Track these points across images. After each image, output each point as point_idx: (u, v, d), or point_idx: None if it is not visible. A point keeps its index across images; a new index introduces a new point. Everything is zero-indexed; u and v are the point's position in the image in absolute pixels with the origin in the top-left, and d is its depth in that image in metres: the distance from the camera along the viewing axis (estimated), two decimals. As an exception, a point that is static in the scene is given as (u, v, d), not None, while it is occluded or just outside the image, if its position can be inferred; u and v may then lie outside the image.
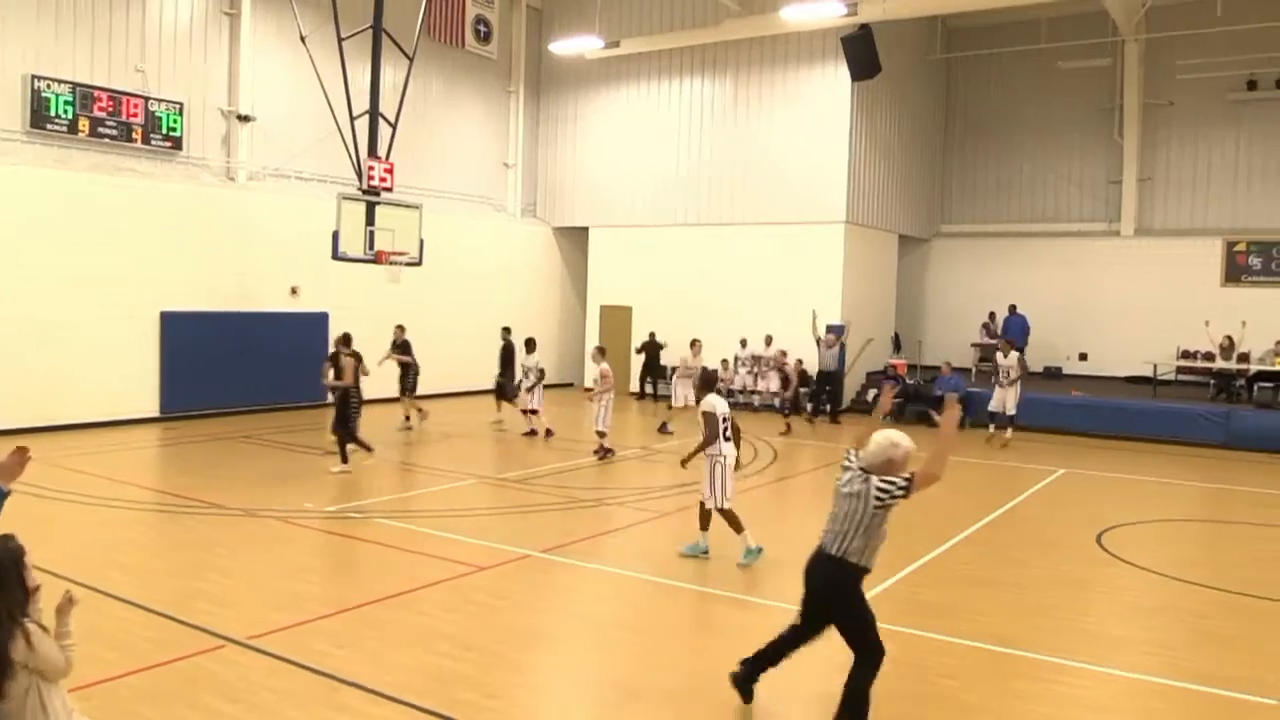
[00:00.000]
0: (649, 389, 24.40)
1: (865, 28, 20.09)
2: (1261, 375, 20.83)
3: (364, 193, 16.62)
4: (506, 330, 20.81)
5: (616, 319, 26.16)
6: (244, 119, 20.09)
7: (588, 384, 26.36)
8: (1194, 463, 17.51)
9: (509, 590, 8.78)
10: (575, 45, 24.14)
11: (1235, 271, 23.87)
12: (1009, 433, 18.82)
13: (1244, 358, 21.05)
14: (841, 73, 21.70)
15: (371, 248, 16.54)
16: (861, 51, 20.20)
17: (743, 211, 24.11)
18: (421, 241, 17.40)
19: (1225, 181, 24.39)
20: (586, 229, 27.00)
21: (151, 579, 8.83)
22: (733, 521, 9.78)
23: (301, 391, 19.91)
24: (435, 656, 7.01)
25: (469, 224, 24.83)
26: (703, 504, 9.90)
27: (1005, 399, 18.98)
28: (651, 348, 24.41)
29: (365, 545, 10.22)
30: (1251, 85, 23.40)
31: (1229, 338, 21.13)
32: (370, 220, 16.57)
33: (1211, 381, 21.54)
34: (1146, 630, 8.28)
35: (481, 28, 25.16)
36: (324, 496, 12.31)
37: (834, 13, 20.08)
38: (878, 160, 24.33)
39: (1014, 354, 19.35)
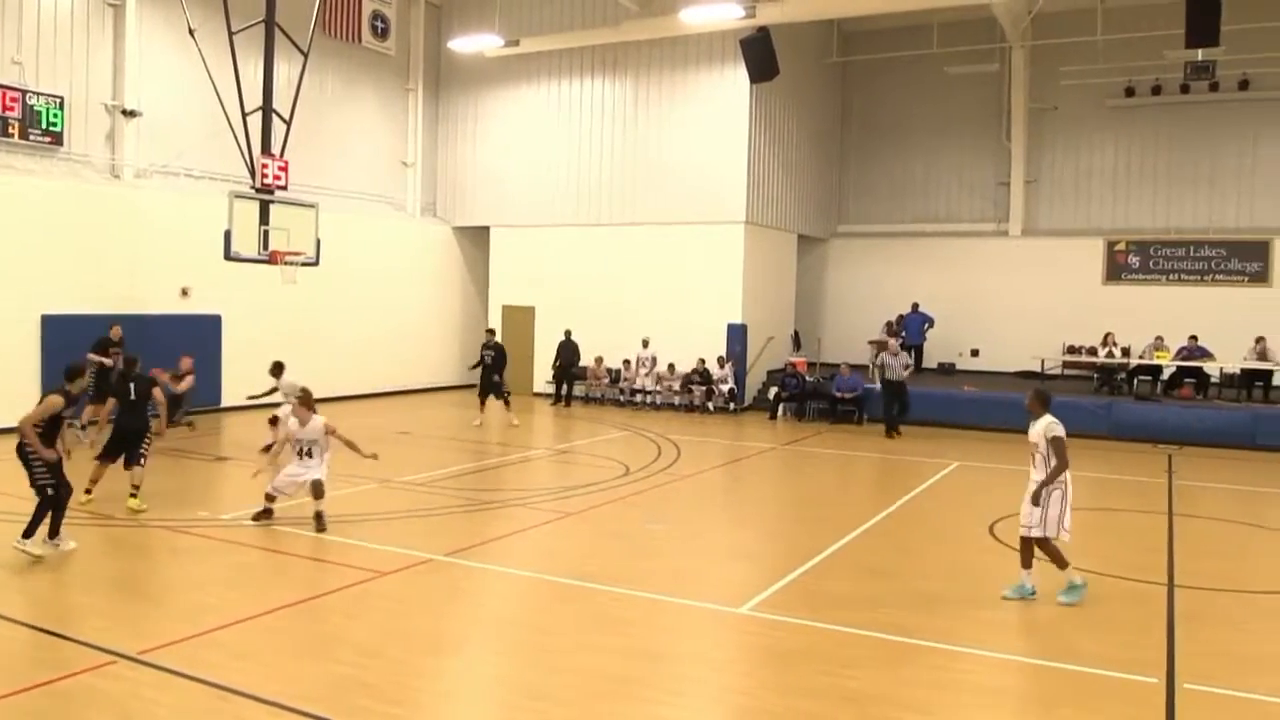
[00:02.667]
0: (563, 390, 24.18)
1: (763, 30, 20.37)
2: (1141, 369, 21.80)
3: (257, 191, 16.19)
4: (490, 332, 21.44)
5: (519, 319, 26.01)
6: (130, 114, 19.40)
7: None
8: (1079, 453, 18.10)
9: (412, 595, 8.67)
10: (475, 43, 23.93)
11: (1116, 270, 24.92)
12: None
13: (1125, 352, 22.02)
14: (740, 75, 21.96)
15: (266, 248, 16.11)
16: (760, 54, 20.47)
17: (644, 211, 24.21)
18: (318, 241, 17.02)
19: (1106, 184, 25.47)
20: (488, 228, 26.77)
21: (34, 594, 8.47)
22: (1055, 557, 8.88)
23: (195, 395, 19.30)
24: (336, 665, 6.89)
25: (367, 223, 24.41)
26: (1027, 538, 8.95)
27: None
28: (567, 349, 24.26)
29: (263, 553, 9.97)
30: (1129, 92, 24.45)
31: (1110, 334, 22.16)
32: (264, 219, 16.14)
33: (1095, 375, 22.47)
34: (1036, 616, 8.58)
35: (379, 24, 24.75)
36: (220, 505, 11.97)
37: (732, 15, 20.32)
38: (776, 161, 24.70)
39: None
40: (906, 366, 20.33)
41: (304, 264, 16.89)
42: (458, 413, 21.74)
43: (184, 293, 20.07)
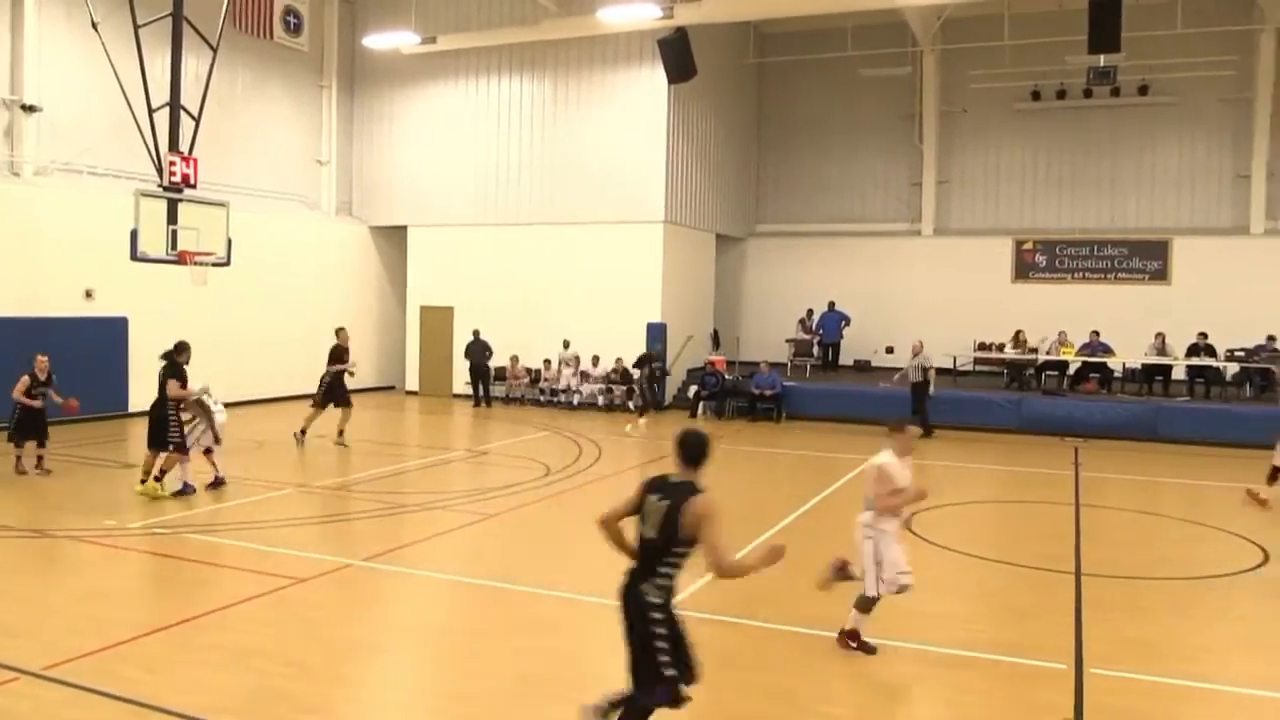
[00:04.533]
0: (481, 391, 23.99)
1: (681, 31, 20.48)
2: (1048, 365, 22.47)
3: (165, 189, 15.72)
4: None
5: (438, 320, 25.75)
6: (29, 109, 18.71)
7: (409, 387, 26.02)
8: (990, 447, 18.71)
9: (330, 602, 8.54)
10: (390, 40, 23.60)
11: (1024, 269, 25.65)
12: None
13: (1034, 349, 22.68)
14: (659, 75, 22.06)
15: (174, 248, 15.65)
16: (677, 54, 20.58)
17: (563, 211, 24.17)
18: (229, 241, 16.59)
19: (1014, 185, 26.21)
20: (405, 228, 26.43)
21: (-70, 609, 8.13)
22: None
23: (100, 401, 18.70)
24: (253, 675, 6.75)
25: (281, 223, 23.91)
26: None
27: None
28: (477, 348, 24.10)
29: (175, 563, 9.72)
30: (1036, 96, 25.18)
31: (1021, 331, 22.83)
32: (173, 219, 15.67)
33: (1004, 371, 23.10)
34: (951, 606, 8.80)
35: (291, 19, 24.27)
36: (128, 514, 11.62)
37: (650, 15, 20.38)
38: (695, 161, 24.86)
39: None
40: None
41: (215, 264, 16.45)
42: (374, 415, 21.44)
43: (88, 295, 19.43)
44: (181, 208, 15.73)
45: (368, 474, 14.60)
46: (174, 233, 15.62)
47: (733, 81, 26.88)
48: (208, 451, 13.04)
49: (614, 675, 7.07)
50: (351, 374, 17.77)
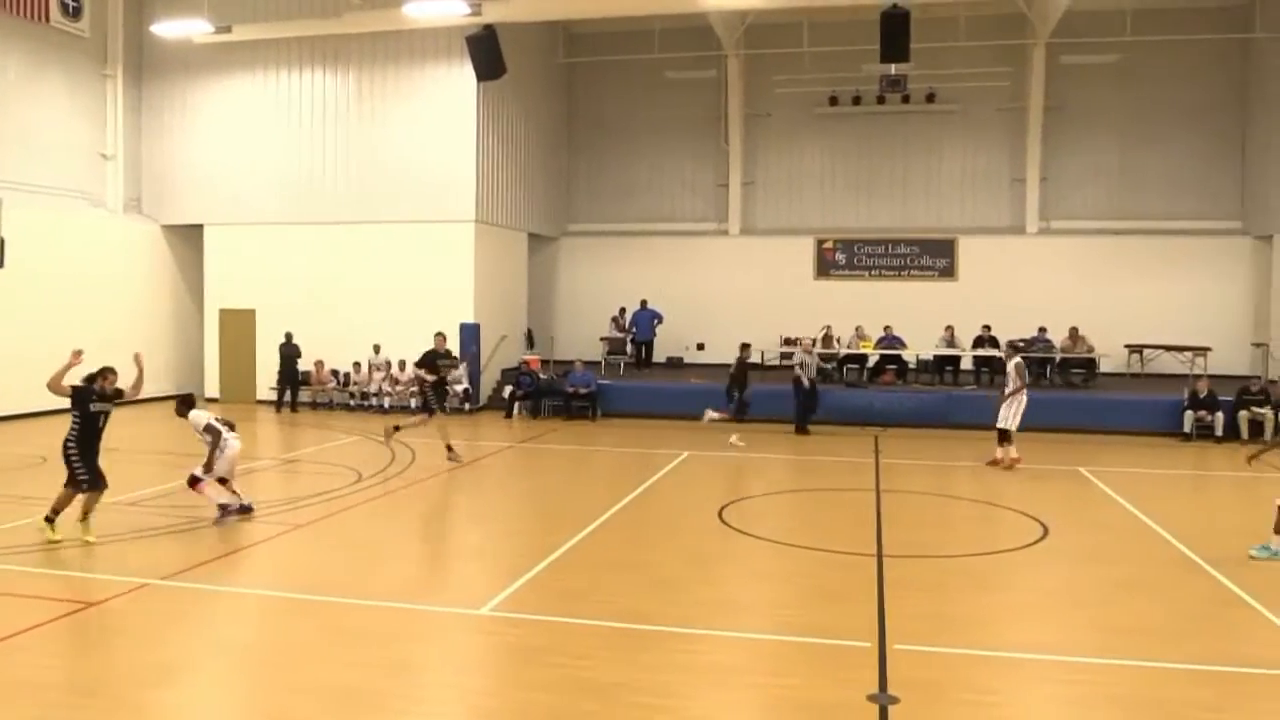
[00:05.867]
0: (286, 396, 23.03)
1: (489, 28, 20.33)
2: (849, 358, 23.58)
3: (-75, 185, 14.43)
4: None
5: (239, 324, 24.57)
6: None
7: (209, 394, 24.71)
8: (796, 438, 19.46)
9: (128, 625, 8.02)
10: (181, 28, 22.34)
11: (825, 266, 26.82)
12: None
13: (837, 342, 23.75)
14: (468, 72, 21.83)
15: (-63, 249, 14.40)
16: (486, 52, 20.42)
17: (371, 210, 23.50)
18: (1, 240, 15.39)
19: (815, 186, 27.38)
20: (201, 227, 25.06)
21: None
22: None
23: None
24: (44, 709, 6.25)
25: (61, 221, 22.25)
26: None
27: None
28: (289, 351, 23.15)
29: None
30: (834, 101, 26.36)
31: (828, 326, 23.86)
32: (-65, 217, 14.42)
33: (809, 365, 24.08)
34: (764, 594, 9.11)
35: (70, 2, 22.64)
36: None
37: (457, 11, 20.12)
38: (506, 160, 24.71)
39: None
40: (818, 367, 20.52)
41: (-15, 266, 15.22)
42: (172, 425, 20.24)
43: None
44: (-55, 205, 14.48)
45: (165, 487, 13.78)
46: (-64, 232, 14.36)
47: (543, 81, 26.88)
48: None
49: (435, 682, 6.97)
50: (443, 379, 16.73)
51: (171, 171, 25.10)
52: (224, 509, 11.59)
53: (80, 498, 10.52)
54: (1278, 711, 6.50)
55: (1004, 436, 15.82)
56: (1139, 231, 25.19)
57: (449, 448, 16.03)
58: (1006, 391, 15.93)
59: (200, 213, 24.89)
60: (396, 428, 16.50)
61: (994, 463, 15.89)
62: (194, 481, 11.70)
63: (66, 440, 10.51)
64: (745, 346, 19.99)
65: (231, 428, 11.97)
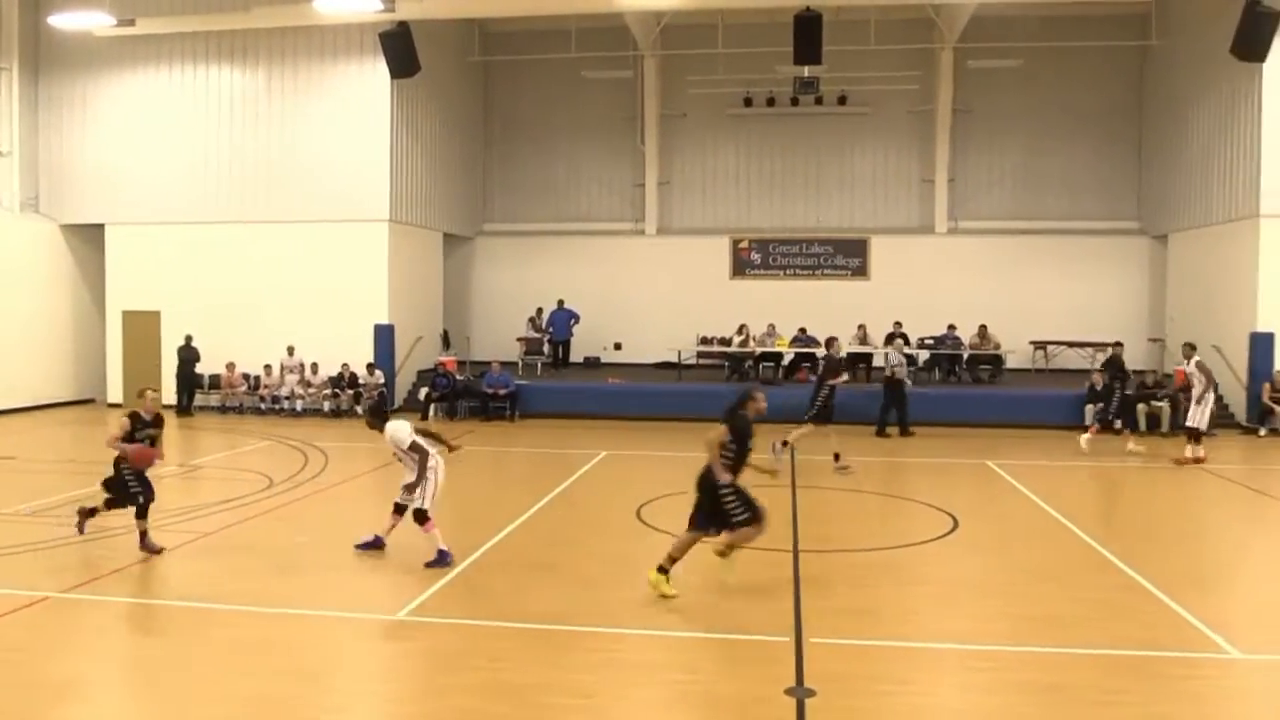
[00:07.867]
0: (184, 400, 22.40)
1: (403, 25, 20.08)
2: (765, 356, 23.83)
3: None
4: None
5: (143, 326, 23.80)
6: None
7: (111, 399, 23.88)
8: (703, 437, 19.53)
9: (26, 641, 7.70)
10: (81, 20, 21.50)
11: (741, 266, 27.05)
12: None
13: (753, 340, 23.97)
14: (381, 69, 21.49)
15: None
16: (400, 49, 20.18)
17: (281, 209, 22.96)
18: (-113, 241, 14.69)
19: (730, 186, 27.61)
20: (102, 226, 24.21)
21: None
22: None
23: None
24: (-71, 728, 6.00)
25: (-49, 220, 21.34)
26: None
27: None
28: (188, 355, 22.50)
29: None
30: (748, 102, 26.58)
31: (745, 325, 24.05)
32: None
33: (726, 364, 24.27)
34: (683, 592, 9.13)
35: (-43, -7, 21.70)
36: None
37: (369, 7, 19.74)
38: (420, 159, 24.39)
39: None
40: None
41: None
42: (73, 431, 19.63)
43: None
44: None
45: (64, 496, 13.28)
46: None
47: (459, 79, 26.60)
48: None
49: (350, 689, 6.84)
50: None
51: (71, 169, 24.20)
52: (442, 554, 9.64)
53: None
54: (1180, 693, 6.74)
55: (1193, 435, 16.09)
56: (1042, 231, 25.93)
57: (783, 442, 15.87)
58: (1194, 393, 16.17)
59: (102, 212, 24.04)
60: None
61: (1180, 461, 16.06)
62: (423, 518, 9.76)
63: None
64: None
65: (438, 440, 10.27)
